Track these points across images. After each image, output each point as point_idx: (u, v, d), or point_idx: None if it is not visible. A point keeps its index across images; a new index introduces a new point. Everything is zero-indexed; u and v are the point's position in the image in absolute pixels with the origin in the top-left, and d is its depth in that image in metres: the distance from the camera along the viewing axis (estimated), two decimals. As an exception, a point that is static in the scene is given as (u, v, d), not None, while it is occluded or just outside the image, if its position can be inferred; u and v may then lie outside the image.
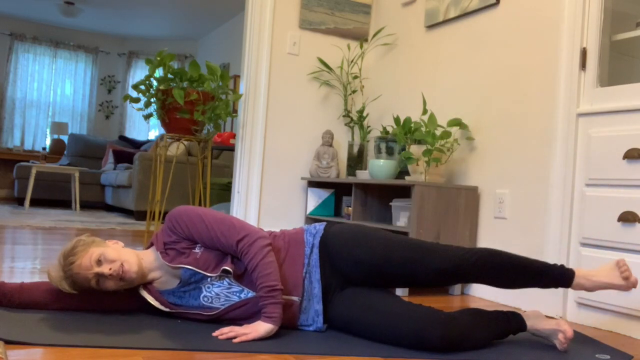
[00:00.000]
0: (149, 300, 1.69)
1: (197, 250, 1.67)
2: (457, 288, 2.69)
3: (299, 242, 1.74)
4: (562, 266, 1.72)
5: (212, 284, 1.65)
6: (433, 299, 2.49)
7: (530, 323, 1.69)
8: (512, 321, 1.68)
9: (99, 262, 1.62)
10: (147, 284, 1.71)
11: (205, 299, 1.66)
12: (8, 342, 1.37)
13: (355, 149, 3.43)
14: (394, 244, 1.68)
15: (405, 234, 2.64)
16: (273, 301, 1.57)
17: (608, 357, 1.64)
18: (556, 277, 1.71)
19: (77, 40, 8.60)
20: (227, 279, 1.65)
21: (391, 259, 1.66)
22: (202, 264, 1.64)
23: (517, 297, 2.46)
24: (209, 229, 1.66)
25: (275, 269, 1.60)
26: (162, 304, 1.69)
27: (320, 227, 1.79)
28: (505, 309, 1.74)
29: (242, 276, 1.66)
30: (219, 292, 1.65)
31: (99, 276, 1.62)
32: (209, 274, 1.63)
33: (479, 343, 1.60)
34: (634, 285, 1.71)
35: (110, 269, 1.60)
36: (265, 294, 1.57)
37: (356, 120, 3.46)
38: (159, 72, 3.38)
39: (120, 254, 1.64)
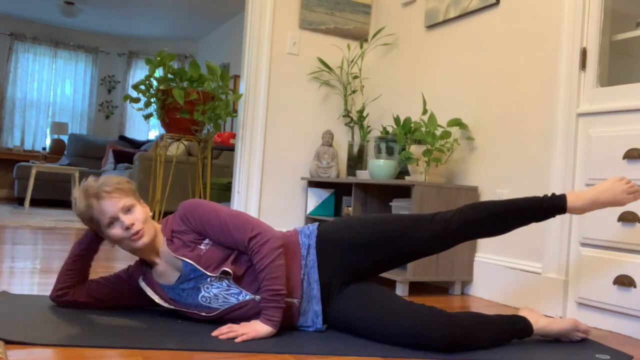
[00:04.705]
0: (149, 293, 1.69)
1: (202, 247, 1.66)
2: (457, 288, 2.69)
3: (294, 244, 1.73)
4: (552, 194, 1.74)
5: (211, 285, 1.64)
6: (433, 299, 2.49)
7: (539, 326, 1.71)
8: (517, 324, 1.67)
9: (127, 210, 1.64)
10: (147, 275, 1.71)
11: (203, 299, 1.65)
12: (8, 342, 1.37)
13: (355, 149, 3.43)
14: (383, 219, 1.75)
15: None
16: (276, 305, 1.57)
17: (608, 357, 1.64)
18: (548, 207, 1.72)
19: (77, 40, 8.60)
20: (226, 280, 1.64)
21: (381, 233, 1.70)
22: (204, 262, 1.63)
23: (517, 298, 2.46)
24: (222, 222, 1.64)
25: (283, 272, 1.59)
26: (161, 297, 1.69)
27: (313, 227, 1.78)
28: (509, 313, 1.74)
29: (241, 278, 1.65)
30: (218, 294, 1.65)
31: (116, 220, 1.63)
32: (208, 274, 1.62)
33: (482, 344, 1.59)
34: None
35: (132, 223, 1.62)
36: (269, 297, 1.57)
37: (356, 120, 3.46)
38: (159, 72, 3.38)
39: (146, 221, 1.66)
